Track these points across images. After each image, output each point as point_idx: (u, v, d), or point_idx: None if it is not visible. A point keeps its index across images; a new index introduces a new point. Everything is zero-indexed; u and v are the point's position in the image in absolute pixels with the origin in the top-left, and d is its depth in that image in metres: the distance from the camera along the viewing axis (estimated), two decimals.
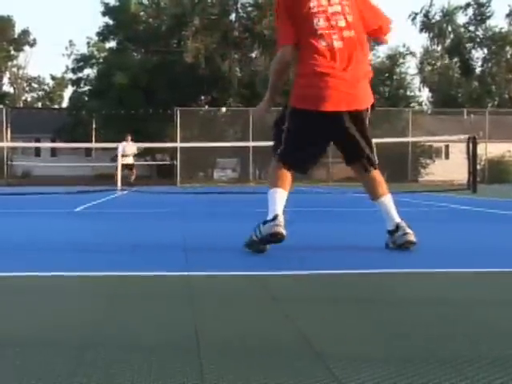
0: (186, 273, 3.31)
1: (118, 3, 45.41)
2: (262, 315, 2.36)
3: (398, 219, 4.35)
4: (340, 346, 1.92)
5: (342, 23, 4.20)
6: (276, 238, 4.02)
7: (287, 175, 4.36)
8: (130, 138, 23.70)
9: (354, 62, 4.21)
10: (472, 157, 16.16)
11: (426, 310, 2.47)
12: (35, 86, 73.44)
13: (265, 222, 4.10)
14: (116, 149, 22.20)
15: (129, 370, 1.67)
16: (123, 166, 22.93)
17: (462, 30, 57.85)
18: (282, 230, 4.01)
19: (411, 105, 48.30)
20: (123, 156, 23.18)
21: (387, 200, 4.45)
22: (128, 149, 23.48)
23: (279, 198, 4.23)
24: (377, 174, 4.50)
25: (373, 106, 4.50)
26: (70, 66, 48.80)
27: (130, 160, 23.90)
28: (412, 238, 4.21)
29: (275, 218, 4.07)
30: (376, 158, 4.48)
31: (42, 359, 1.78)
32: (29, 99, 72.65)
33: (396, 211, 4.41)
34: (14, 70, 68.94)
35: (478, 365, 1.71)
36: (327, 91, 4.16)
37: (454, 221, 7.57)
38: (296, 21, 4.23)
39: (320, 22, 4.18)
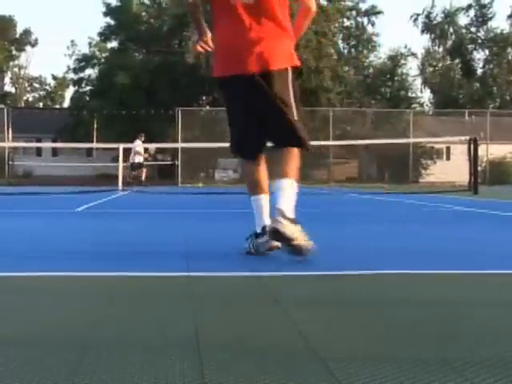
0: (186, 273, 3.31)
1: (119, 3, 45.42)
2: (264, 316, 2.36)
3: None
4: (341, 347, 1.92)
5: None
6: (273, 250, 3.97)
7: (260, 173, 4.16)
8: (142, 137, 24.03)
9: (265, 19, 3.93)
10: (473, 158, 16.16)
11: (428, 311, 2.46)
12: (37, 85, 73.59)
13: (257, 235, 4.06)
14: (117, 149, 22.27)
15: (129, 371, 1.67)
16: (135, 164, 23.25)
17: (464, 31, 57.92)
18: (277, 244, 3.87)
19: (412, 106, 48.33)
20: (137, 154, 23.48)
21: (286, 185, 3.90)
22: (141, 148, 23.83)
23: (263, 206, 4.09)
24: (293, 152, 4.03)
25: (298, 69, 4.08)
26: (72, 66, 48.75)
27: (141, 159, 24.25)
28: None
29: (263, 231, 3.99)
30: (306, 137, 4.08)
31: (43, 360, 1.78)
32: (30, 99, 72.79)
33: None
34: (16, 69, 69.11)
35: (480, 366, 1.71)
36: (235, 53, 3.96)
37: (457, 222, 7.56)
38: None
39: None
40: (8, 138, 36.70)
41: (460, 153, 30.23)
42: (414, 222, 7.42)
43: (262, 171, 4.17)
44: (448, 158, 40.55)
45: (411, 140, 32.67)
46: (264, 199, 4.10)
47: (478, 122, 36.33)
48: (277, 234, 3.70)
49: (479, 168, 20.46)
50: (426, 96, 60.52)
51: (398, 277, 3.32)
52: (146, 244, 4.86)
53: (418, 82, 57.31)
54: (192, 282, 3.12)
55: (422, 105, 55.24)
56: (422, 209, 10.27)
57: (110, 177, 28.98)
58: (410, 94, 52.24)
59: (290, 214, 3.76)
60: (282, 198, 3.80)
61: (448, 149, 40.85)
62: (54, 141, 42.76)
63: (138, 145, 24.00)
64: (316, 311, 2.46)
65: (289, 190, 3.85)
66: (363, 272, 3.42)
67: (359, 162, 38.77)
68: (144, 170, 24.72)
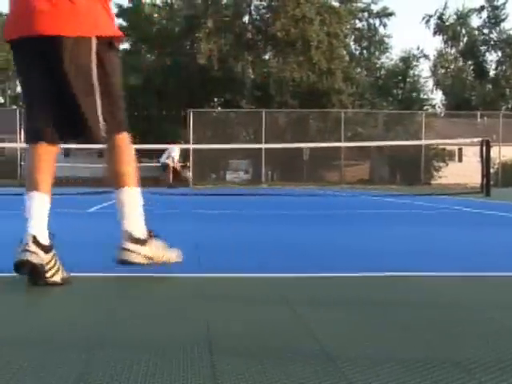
0: (198, 274, 3.31)
1: (131, 5, 45.57)
2: (275, 316, 2.36)
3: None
4: (353, 347, 1.91)
5: None
6: (21, 270, 2.93)
7: (45, 164, 3.32)
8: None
9: None
10: (485, 160, 16.09)
11: (437, 312, 2.45)
12: None
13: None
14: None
15: (140, 371, 1.66)
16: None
17: (476, 32, 57.73)
18: (27, 257, 2.89)
19: (424, 107, 48.25)
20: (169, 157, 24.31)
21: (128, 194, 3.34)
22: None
23: (37, 208, 3.16)
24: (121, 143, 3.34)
25: (116, 38, 3.23)
26: None
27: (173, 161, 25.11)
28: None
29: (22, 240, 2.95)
30: (118, 120, 3.29)
31: (53, 360, 1.78)
32: None
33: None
34: None
35: (488, 365, 1.70)
36: (16, 13, 3.16)
37: (470, 224, 7.54)
38: None
39: None
40: (20, 138, 36.81)
41: (472, 155, 30.19)
42: (429, 224, 7.40)
43: (50, 160, 3.38)
44: (460, 160, 40.43)
45: (423, 142, 32.60)
46: (40, 199, 3.21)
47: (491, 124, 36.23)
48: (126, 263, 3.21)
49: (491, 170, 20.39)
50: (437, 98, 60.44)
51: (410, 279, 3.31)
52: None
53: (430, 83, 57.20)
54: (203, 282, 3.11)
55: (433, 106, 55.17)
56: (435, 211, 10.24)
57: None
58: (421, 96, 52.19)
59: (139, 232, 3.27)
60: (125, 215, 3.30)
61: (460, 151, 40.73)
62: (66, 141, 42.83)
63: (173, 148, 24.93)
64: (328, 312, 2.45)
65: (131, 203, 3.32)
66: (375, 274, 3.40)
67: (371, 163, 38.71)
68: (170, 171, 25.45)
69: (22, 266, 2.91)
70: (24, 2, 3.07)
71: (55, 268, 2.99)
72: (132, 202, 3.32)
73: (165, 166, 25.35)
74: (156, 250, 3.24)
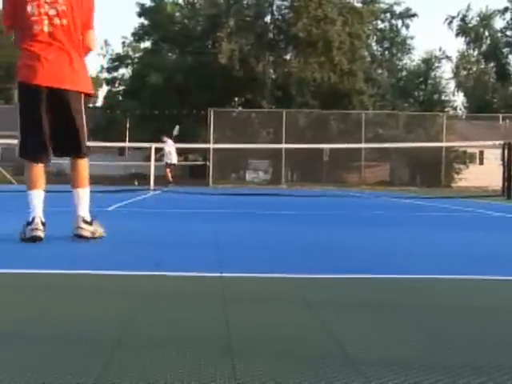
0: (218, 274, 3.31)
1: (153, 4, 45.70)
2: (295, 318, 2.35)
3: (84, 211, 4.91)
4: (373, 350, 1.90)
5: (53, 12, 4.77)
6: (35, 241, 4.56)
7: (39, 173, 4.91)
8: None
9: (64, 45, 4.81)
10: (507, 163, 15.99)
11: (462, 316, 2.44)
12: None
13: (28, 223, 4.65)
14: (149, 149, 22.30)
15: (161, 369, 1.67)
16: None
17: (499, 34, 57.31)
18: (40, 234, 4.61)
19: (446, 109, 47.98)
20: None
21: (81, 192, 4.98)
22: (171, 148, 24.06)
23: (36, 200, 4.78)
24: (83, 164, 5.04)
25: (89, 95, 5.07)
26: (105, 66, 49.25)
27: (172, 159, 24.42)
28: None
29: (33, 220, 4.65)
30: (85, 147, 5.00)
31: (76, 357, 1.79)
32: None
33: (86, 207, 4.93)
34: None
35: (508, 370, 1.69)
36: (35, 67, 4.74)
37: (493, 228, 7.49)
38: (15, 6, 4.84)
39: (33, 9, 4.75)
40: None
41: (494, 157, 29.95)
42: (451, 227, 7.36)
43: (42, 171, 4.94)
44: (481, 163, 40.17)
45: (444, 144, 32.44)
46: (39, 194, 4.83)
47: None
48: (81, 237, 4.78)
49: None
50: (459, 100, 60.12)
51: (431, 282, 3.29)
52: (178, 244, 4.88)
53: (452, 85, 56.89)
54: (224, 282, 3.12)
55: (455, 108, 54.88)
56: (458, 213, 10.18)
57: (141, 176, 29.12)
58: (443, 98, 51.92)
59: (87, 217, 4.88)
60: (80, 205, 4.90)
61: (481, 153, 40.47)
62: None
63: (169, 145, 24.13)
64: (351, 314, 2.44)
65: (85, 198, 4.96)
66: (396, 276, 3.39)
67: (391, 165, 38.56)
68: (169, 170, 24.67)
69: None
70: (39, 63, 4.73)
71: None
72: (85, 197, 4.98)
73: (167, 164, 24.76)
74: (96, 228, 4.91)
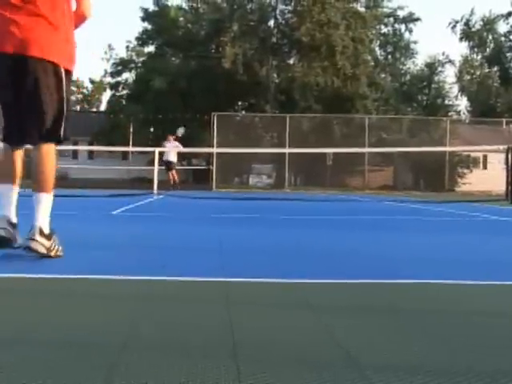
0: (221, 279, 3.31)
1: (157, 8, 45.79)
2: (299, 322, 2.36)
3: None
4: (378, 355, 1.90)
5: None
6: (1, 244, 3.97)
7: (18, 164, 4.12)
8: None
9: (40, 9, 3.99)
10: (511, 167, 15.98)
11: (466, 320, 2.44)
12: (74, 89, 74.35)
13: None
14: (153, 153, 22.23)
15: (167, 373, 1.67)
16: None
17: (503, 38, 57.31)
18: (4, 234, 3.95)
19: (449, 114, 47.96)
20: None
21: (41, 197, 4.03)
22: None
23: (4, 196, 4.04)
24: (48, 156, 4.07)
25: (68, 71, 4.14)
26: (109, 70, 49.31)
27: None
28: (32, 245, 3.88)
29: None
30: (53, 131, 4.07)
31: (82, 360, 1.79)
32: None
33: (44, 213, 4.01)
34: None
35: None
36: (5, 33, 3.92)
37: (497, 233, 7.48)
38: None
39: None
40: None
41: (497, 162, 29.93)
42: (457, 232, 7.35)
43: (14, 159, 4.11)
44: (485, 167, 40.14)
45: (447, 148, 32.43)
46: (8, 189, 4.05)
47: None
48: (32, 251, 3.89)
49: None
50: (462, 104, 60.12)
51: (437, 287, 3.29)
52: (181, 248, 4.88)
53: (455, 89, 56.89)
54: (227, 287, 3.12)
55: (458, 113, 54.86)
56: (469, 218, 10.17)
57: (144, 180, 29.15)
58: (446, 102, 51.90)
59: (46, 229, 3.97)
60: (39, 213, 3.97)
61: (485, 157, 40.45)
62: (91, 144, 43.20)
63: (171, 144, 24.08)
64: (353, 319, 2.45)
65: (46, 204, 4.02)
66: (401, 281, 3.39)
67: (394, 169, 38.55)
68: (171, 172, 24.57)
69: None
70: (3, 24, 3.92)
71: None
72: (47, 203, 4.03)
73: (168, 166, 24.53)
74: (53, 244, 3.97)
